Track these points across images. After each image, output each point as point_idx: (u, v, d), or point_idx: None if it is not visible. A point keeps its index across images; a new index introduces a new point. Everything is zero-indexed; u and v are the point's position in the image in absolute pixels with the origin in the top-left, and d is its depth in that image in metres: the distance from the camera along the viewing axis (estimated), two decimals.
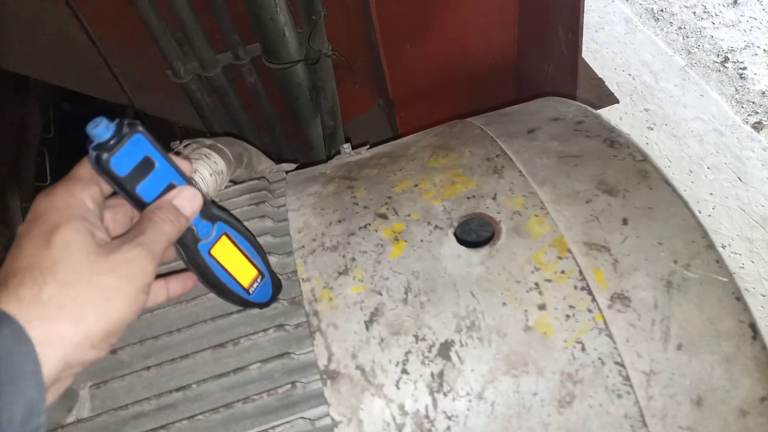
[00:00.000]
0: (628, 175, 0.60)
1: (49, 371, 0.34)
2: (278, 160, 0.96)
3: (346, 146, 0.80)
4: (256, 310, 0.57)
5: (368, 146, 0.82)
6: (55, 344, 0.35)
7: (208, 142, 0.73)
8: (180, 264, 0.48)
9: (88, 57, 1.41)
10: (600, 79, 1.73)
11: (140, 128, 0.41)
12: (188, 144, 0.70)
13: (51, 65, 1.47)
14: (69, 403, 0.57)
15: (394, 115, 1.58)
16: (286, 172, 0.80)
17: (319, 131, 1.48)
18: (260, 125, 1.56)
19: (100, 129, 0.39)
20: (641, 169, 0.60)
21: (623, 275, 0.54)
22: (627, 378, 0.51)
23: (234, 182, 0.77)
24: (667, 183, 0.59)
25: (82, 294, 0.36)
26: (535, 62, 1.50)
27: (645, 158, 0.61)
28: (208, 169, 0.68)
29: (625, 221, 0.56)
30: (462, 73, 1.55)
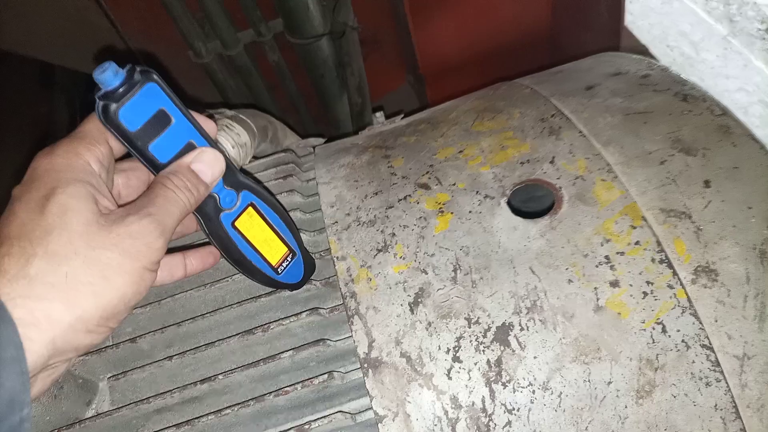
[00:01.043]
0: (706, 131, 0.52)
1: (35, 357, 0.29)
2: (304, 137, 0.90)
3: (379, 115, 0.73)
4: (287, 293, 0.52)
5: (402, 115, 0.75)
6: (43, 326, 0.29)
7: (230, 112, 0.68)
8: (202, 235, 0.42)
9: (108, 41, 1.38)
10: (644, 47, 1.63)
11: (155, 77, 0.35)
12: (209, 114, 0.65)
13: (72, 50, 1.44)
14: (88, 396, 0.52)
15: (424, 92, 1.51)
16: (314, 147, 0.74)
17: (347, 110, 1.41)
18: (285, 106, 1.51)
19: (108, 74, 0.33)
20: (722, 125, 0.52)
21: (708, 245, 0.46)
22: (716, 363, 0.44)
23: (257, 158, 0.71)
24: (754, 139, 0.51)
25: (76, 270, 0.31)
26: (573, 30, 1.41)
27: (725, 112, 0.53)
28: (230, 140, 0.63)
29: (707, 183, 0.49)
30: (495, 45, 1.47)
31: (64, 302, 0.30)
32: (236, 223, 0.42)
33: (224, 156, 0.40)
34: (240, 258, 0.43)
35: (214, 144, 0.39)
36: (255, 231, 0.43)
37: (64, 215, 0.32)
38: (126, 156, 0.38)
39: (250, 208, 0.43)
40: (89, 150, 0.35)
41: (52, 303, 0.30)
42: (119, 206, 0.36)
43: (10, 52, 1.40)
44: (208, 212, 0.40)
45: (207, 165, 0.38)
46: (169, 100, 0.36)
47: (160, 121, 0.36)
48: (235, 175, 0.42)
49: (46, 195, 0.32)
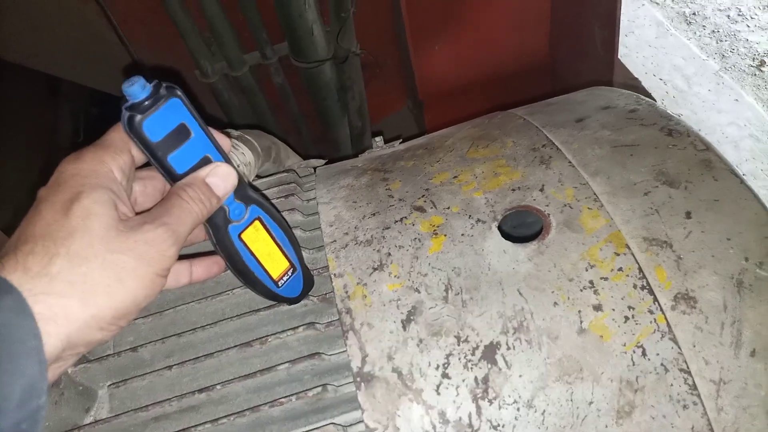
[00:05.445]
0: (689, 165, 0.55)
1: (51, 349, 0.31)
2: (306, 158, 0.93)
3: (379, 139, 0.76)
4: (285, 307, 0.54)
5: (401, 140, 0.78)
6: (60, 321, 0.32)
7: (236, 132, 0.70)
8: (207, 246, 0.45)
9: (117, 56, 1.41)
10: (636, 79, 1.67)
11: (179, 92, 0.38)
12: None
13: (81, 65, 1.47)
14: (87, 403, 0.54)
15: (422, 117, 1.54)
16: (314, 168, 0.77)
17: (347, 132, 1.45)
18: (287, 126, 1.54)
19: (136, 88, 0.36)
20: (704, 159, 0.55)
21: (688, 273, 0.49)
22: (694, 387, 0.46)
23: (260, 177, 0.74)
24: (734, 174, 0.53)
25: (93, 271, 0.33)
26: (569, 61, 1.45)
27: (707, 147, 0.56)
28: (234, 160, 0.65)
29: (688, 215, 0.51)
30: (493, 73, 1.51)
31: (81, 300, 0.33)
32: (243, 235, 0.44)
33: (236, 171, 0.42)
34: (243, 269, 0.45)
35: (228, 159, 0.42)
36: (260, 244, 0.45)
37: (86, 219, 0.34)
38: (144, 165, 0.41)
39: (257, 222, 0.45)
40: (113, 158, 0.37)
41: (70, 300, 0.32)
42: (136, 213, 0.38)
43: (19, 65, 1.43)
44: (217, 223, 0.42)
45: (220, 179, 0.41)
46: (190, 116, 0.39)
47: (180, 134, 0.39)
48: (245, 190, 0.44)
49: (71, 198, 0.34)
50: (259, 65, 1.37)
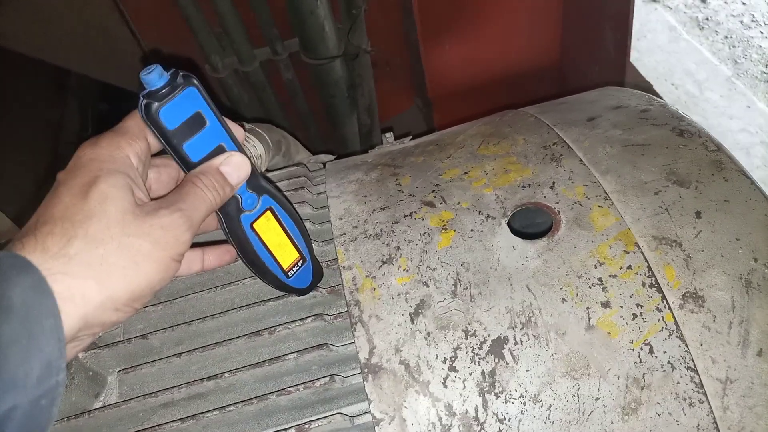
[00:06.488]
0: (700, 165, 0.55)
1: (68, 328, 0.32)
2: (314, 154, 0.93)
3: (389, 135, 0.76)
4: (294, 298, 0.54)
5: (411, 137, 0.79)
6: (77, 301, 0.32)
7: (247, 126, 0.71)
8: (219, 235, 0.45)
9: (128, 50, 1.42)
10: (648, 83, 1.67)
11: (195, 82, 0.39)
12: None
13: (91, 58, 1.48)
14: (96, 388, 0.54)
15: (431, 116, 1.54)
16: (324, 163, 0.77)
17: (355, 129, 1.45)
18: (295, 123, 1.55)
19: (153, 76, 0.37)
20: (715, 160, 0.55)
21: (697, 273, 0.49)
22: (700, 385, 0.46)
23: (270, 171, 0.74)
24: (745, 175, 0.54)
25: (110, 254, 0.34)
26: (580, 63, 1.45)
27: (719, 148, 0.56)
28: (245, 152, 0.65)
29: (698, 214, 0.51)
30: (503, 74, 1.51)
31: (98, 282, 0.33)
32: (254, 225, 0.45)
33: (251, 162, 0.43)
34: (254, 258, 0.46)
35: (241, 149, 0.43)
36: (271, 234, 0.46)
37: (104, 203, 0.34)
38: (159, 153, 0.41)
39: (268, 212, 0.46)
40: (130, 144, 0.38)
41: (87, 281, 0.33)
42: (151, 199, 0.39)
43: (28, 57, 1.43)
44: (229, 212, 0.43)
45: (234, 168, 0.41)
46: (206, 105, 0.39)
47: (195, 122, 0.39)
48: (258, 180, 0.45)
49: (89, 182, 0.35)
50: (269, 61, 1.37)
